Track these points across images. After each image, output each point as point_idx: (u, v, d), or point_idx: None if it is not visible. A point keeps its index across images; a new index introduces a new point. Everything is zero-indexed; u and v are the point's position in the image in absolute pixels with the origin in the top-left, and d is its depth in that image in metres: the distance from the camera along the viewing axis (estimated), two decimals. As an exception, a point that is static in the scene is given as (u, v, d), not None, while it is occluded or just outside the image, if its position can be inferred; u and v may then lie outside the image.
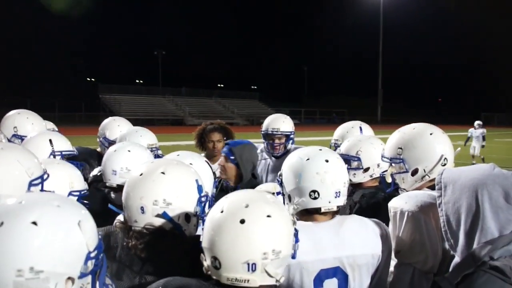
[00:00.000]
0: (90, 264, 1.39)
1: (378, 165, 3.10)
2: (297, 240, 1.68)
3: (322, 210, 2.15)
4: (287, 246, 1.61)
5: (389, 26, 67.64)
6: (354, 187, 3.18)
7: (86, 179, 3.59)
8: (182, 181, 2.00)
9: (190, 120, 53.37)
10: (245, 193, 1.74)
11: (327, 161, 2.17)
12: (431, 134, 2.47)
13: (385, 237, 2.21)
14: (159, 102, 61.48)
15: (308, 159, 2.18)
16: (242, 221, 1.55)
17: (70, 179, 2.57)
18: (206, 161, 2.65)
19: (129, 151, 3.05)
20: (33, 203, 1.36)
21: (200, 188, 2.05)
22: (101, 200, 3.01)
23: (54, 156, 3.29)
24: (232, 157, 3.61)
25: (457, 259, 1.78)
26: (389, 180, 2.64)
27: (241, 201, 1.62)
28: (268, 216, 1.58)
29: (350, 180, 3.14)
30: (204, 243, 1.61)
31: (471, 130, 20.07)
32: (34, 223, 1.28)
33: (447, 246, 1.87)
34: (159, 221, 1.93)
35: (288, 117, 4.82)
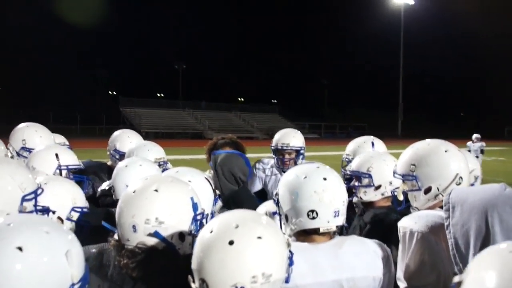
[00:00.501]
0: None
1: (391, 183, 2.94)
2: (291, 263, 1.58)
3: (321, 231, 2.05)
4: (279, 270, 1.51)
5: (410, 38, 67.36)
6: (365, 207, 3.05)
7: (95, 193, 3.58)
8: (175, 199, 1.92)
9: (210, 134, 53.45)
10: (237, 213, 1.65)
11: (325, 179, 2.07)
12: (446, 151, 2.35)
13: (386, 259, 2.11)
14: (179, 115, 61.88)
15: (305, 177, 2.08)
16: (231, 242, 1.46)
17: (73, 195, 2.55)
18: (206, 177, 2.57)
19: (140, 165, 3.01)
20: (21, 226, 1.30)
21: (195, 206, 1.96)
22: (103, 216, 2.96)
23: (61, 170, 3.28)
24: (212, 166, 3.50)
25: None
26: (400, 197, 2.52)
27: (231, 221, 1.53)
28: (259, 237, 1.49)
29: (361, 198, 3.02)
30: (193, 265, 1.53)
31: (469, 143, 19.08)
32: (20, 248, 1.23)
33: (456, 270, 1.76)
34: (151, 240, 1.85)
35: (299, 132, 4.76)
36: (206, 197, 2.34)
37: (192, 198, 1.97)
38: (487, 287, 0.96)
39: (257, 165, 4.95)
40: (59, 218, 2.46)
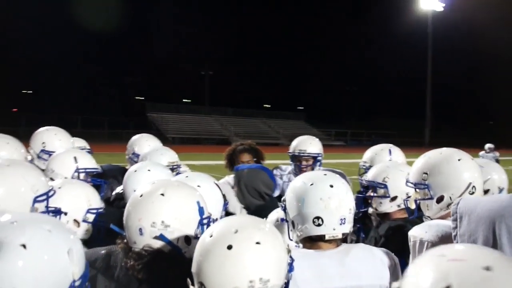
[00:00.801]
0: None
1: (407, 194, 2.84)
2: (291, 270, 1.59)
3: (327, 238, 2.05)
4: (277, 275, 1.51)
5: (438, 45, 66.36)
6: (381, 218, 3.00)
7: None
8: (181, 203, 1.96)
9: (236, 140, 53.16)
10: (237, 219, 1.69)
11: (331, 186, 2.07)
12: (459, 160, 2.31)
13: (393, 268, 2.09)
14: (205, 121, 62.21)
15: (312, 184, 2.09)
16: (230, 247, 1.48)
17: (88, 197, 2.62)
18: (215, 182, 2.59)
19: (149, 170, 3.05)
20: (25, 224, 1.35)
21: (201, 210, 1.99)
22: (117, 219, 3.01)
23: (79, 173, 3.34)
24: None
25: None
26: (412, 206, 2.48)
27: (230, 227, 1.55)
28: (257, 243, 1.50)
29: (376, 209, 2.97)
30: (193, 268, 1.55)
31: (482, 153, 17.86)
32: (23, 245, 1.28)
33: None
34: (157, 243, 1.90)
35: (316, 138, 4.76)
36: (215, 202, 2.36)
37: (198, 203, 2.00)
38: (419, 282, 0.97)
39: (275, 171, 4.96)
40: (75, 220, 2.51)
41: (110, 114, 58.03)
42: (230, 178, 4.81)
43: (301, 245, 2.16)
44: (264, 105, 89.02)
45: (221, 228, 1.56)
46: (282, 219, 2.38)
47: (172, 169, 3.70)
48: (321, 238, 2.06)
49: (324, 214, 2.03)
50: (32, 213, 2.08)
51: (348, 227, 2.09)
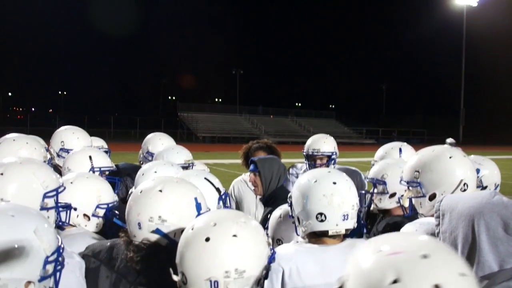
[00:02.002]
0: (50, 267, 1.48)
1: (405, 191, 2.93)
2: (270, 261, 1.67)
3: (330, 233, 2.12)
4: (253, 267, 1.60)
5: (473, 42, 64.85)
6: (383, 214, 3.06)
7: (128, 194, 3.76)
8: (178, 199, 2.06)
9: (266, 138, 53.34)
10: (218, 212, 1.79)
11: (334, 183, 2.15)
12: (450, 157, 2.34)
13: None
14: (235, 120, 62.41)
15: (315, 181, 2.17)
16: (207, 239, 1.57)
17: (98, 192, 2.71)
18: (206, 178, 2.68)
19: (155, 172, 3.15)
20: None
21: (198, 206, 2.09)
22: None
23: (94, 172, 3.46)
24: (256, 170, 3.61)
25: None
26: (406, 204, 2.53)
27: (210, 220, 1.64)
28: (234, 235, 1.59)
29: (376, 205, 3.03)
30: (176, 259, 1.65)
31: None
32: None
33: None
34: (154, 237, 2.02)
35: (331, 137, 4.77)
36: (208, 197, 2.43)
37: (196, 198, 2.11)
38: (363, 286, 1.02)
39: (290, 170, 5.02)
40: (85, 215, 2.62)
41: (142, 114, 58.89)
42: (246, 176, 4.90)
43: (306, 239, 2.24)
44: (295, 104, 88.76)
45: (201, 221, 1.66)
46: (289, 216, 2.45)
47: (187, 167, 3.83)
48: (324, 233, 2.14)
49: (327, 210, 2.11)
50: None
51: (351, 223, 2.16)
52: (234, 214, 1.75)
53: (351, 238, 2.28)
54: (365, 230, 3.24)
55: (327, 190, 2.13)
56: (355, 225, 2.21)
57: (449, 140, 17.04)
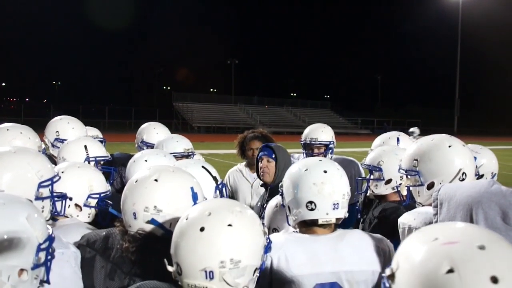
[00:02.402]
0: (42, 255, 1.47)
1: (402, 178, 2.91)
2: (266, 251, 1.65)
3: (320, 222, 2.10)
4: (249, 257, 1.58)
5: (468, 31, 64.74)
6: (379, 200, 3.07)
7: (124, 184, 3.74)
8: (174, 189, 2.03)
9: (261, 128, 53.28)
10: (214, 202, 1.75)
11: (325, 171, 2.12)
12: (449, 146, 2.32)
13: (387, 254, 2.11)
14: (231, 110, 62.41)
15: (306, 170, 2.15)
16: (202, 229, 1.55)
17: (90, 182, 2.67)
18: (203, 166, 2.66)
19: (146, 161, 3.11)
20: None
21: (195, 196, 2.07)
22: None
23: (89, 162, 3.43)
24: (273, 156, 3.58)
25: None
26: (404, 192, 2.52)
27: (205, 209, 1.62)
28: (229, 225, 1.56)
29: (372, 191, 3.04)
30: (171, 249, 1.62)
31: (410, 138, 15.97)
32: None
33: None
34: (150, 227, 1.99)
35: (328, 127, 4.76)
36: (204, 186, 2.41)
37: (192, 188, 2.07)
38: (416, 275, 0.99)
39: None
40: (76, 205, 2.59)
41: (137, 104, 58.74)
42: (241, 165, 4.89)
43: (297, 229, 2.22)
44: (291, 94, 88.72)
45: (196, 211, 1.63)
46: (282, 205, 2.44)
47: (187, 156, 3.82)
48: (314, 222, 2.11)
49: (317, 198, 2.08)
50: None
51: (342, 212, 2.13)
52: (230, 203, 1.72)
53: (345, 228, 2.26)
54: (359, 216, 3.27)
55: (318, 178, 2.11)
56: (346, 215, 2.18)
57: (412, 129, 16.45)
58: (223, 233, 1.55)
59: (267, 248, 1.66)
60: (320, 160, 2.24)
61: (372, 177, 3.06)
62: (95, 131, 4.64)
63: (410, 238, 1.10)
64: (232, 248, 1.54)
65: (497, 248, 0.97)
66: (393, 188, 2.98)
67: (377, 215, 2.86)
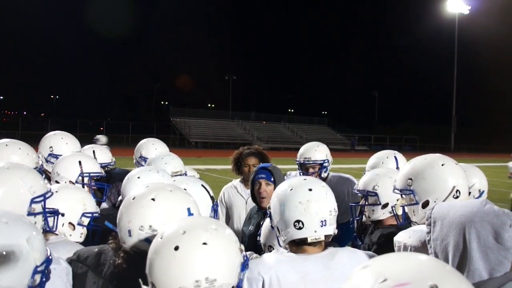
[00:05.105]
0: (38, 278, 1.47)
1: (398, 201, 2.84)
2: (243, 269, 1.63)
3: (309, 240, 2.09)
4: (225, 275, 1.55)
5: (465, 48, 65.29)
6: (375, 225, 3.03)
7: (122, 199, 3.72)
8: (170, 209, 2.02)
9: (258, 144, 53.12)
10: (189, 220, 1.76)
11: (310, 190, 2.13)
12: (442, 165, 2.34)
13: None
14: (228, 126, 62.40)
15: (291, 189, 2.15)
16: (176, 248, 1.53)
17: (84, 201, 2.70)
18: (202, 185, 2.65)
19: (138, 177, 3.07)
20: None
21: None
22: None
23: (83, 177, 3.43)
24: (272, 179, 3.56)
25: None
26: (399, 212, 2.52)
27: (180, 228, 1.60)
28: (204, 243, 1.54)
29: (369, 217, 2.99)
30: (146, 268, 1.60)
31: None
32: None
33: None
34: (144, 245, 1.95)
35: (323, 145, 4.76)
36: (202, 205, 2.40)
37: (189, 209, 2.06)
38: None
39: (285, 178, 5.00)
40: (70, 223, 2.60)
41: (135, 119, 58.82)
42: (236, 181, 4.88)
43: (288, 250, 2.21)
44: (288, 110, 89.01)
45: (171, 230, 1.61)
46: (271, 227, 2.42)
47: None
48: (304, 241, 2.10)
49: (304, 217, 2.08)
50: None
51: (330, 229, 2.13)
52: (205, 221, 1.71)
53: (342, 246, 2.26)
54: (357, 241, 3.21)
55: (303, 197, 2.11)
56: (335, 231, 2.18)
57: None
58: (198, 251, 1.53)
59: (244, 266, 1.64)
60: (305, 179, 2.24)
61: (367, 202, 2.99)
62: (104, 139, 4.63)
63: (358, 275, 1.02)
64: (207, 266, 1.52)
65: (449, 285, 0.92)
66: (390, 212, 2.93)
67: (375, 241, 2.81)
